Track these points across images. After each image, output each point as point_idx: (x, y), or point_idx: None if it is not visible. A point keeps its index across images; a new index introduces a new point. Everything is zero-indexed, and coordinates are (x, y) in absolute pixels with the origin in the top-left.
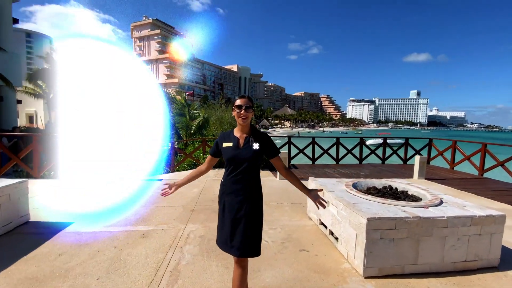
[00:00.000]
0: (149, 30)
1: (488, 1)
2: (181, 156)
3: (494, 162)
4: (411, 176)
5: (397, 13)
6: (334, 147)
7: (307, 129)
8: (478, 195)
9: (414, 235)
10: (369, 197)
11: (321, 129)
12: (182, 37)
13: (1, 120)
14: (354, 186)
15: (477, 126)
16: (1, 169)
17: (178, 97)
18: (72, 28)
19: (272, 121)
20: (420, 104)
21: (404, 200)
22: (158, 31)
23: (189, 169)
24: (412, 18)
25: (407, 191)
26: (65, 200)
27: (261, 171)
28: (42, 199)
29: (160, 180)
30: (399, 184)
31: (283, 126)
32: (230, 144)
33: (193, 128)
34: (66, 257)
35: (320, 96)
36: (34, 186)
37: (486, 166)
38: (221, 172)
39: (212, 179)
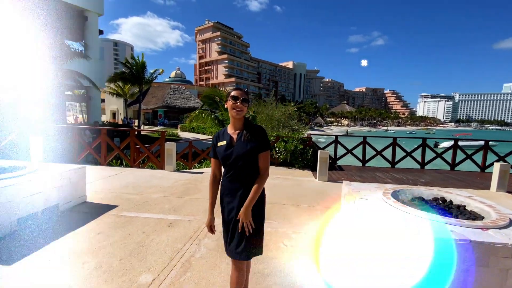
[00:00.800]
0: (211, 32)
1: None
2: None
3: None
4: (488, 188)
5: None
6: (390, 148)
7: (366, 128)
8: None
9: (461, 263)
10: (409, 209)
11: (384, 128)
12: (240, 38)
13: (89, 115)
14: (394, 194)
15: None
16: (78, 156)
17: (223, 92)
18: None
19: (328, 119)
20: None
21: (456, 216)
22: (218, 33)
23: None
24: None
25: (464, 206)
26: (117, 186)
27: (301, 170)
28: (101, 183)
29: (202, 173)
30: (457, 196)
31: (339, 124)
32: (224, 143)
33: None
34: (102, 236)
35: (385, 91)
36: (99, 172)
37: None
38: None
39: None
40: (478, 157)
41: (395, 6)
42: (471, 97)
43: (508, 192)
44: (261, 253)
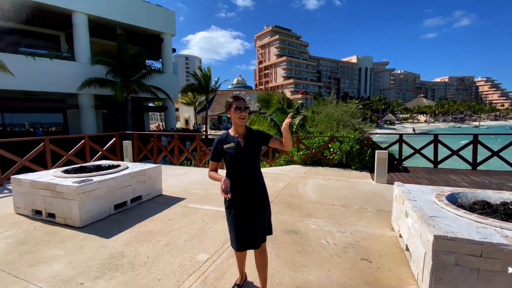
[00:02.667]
0: (269, 37)
1: None
2: (279, 152)
3: None
4: None
5: None
6: (470, 147)
7: (450, 124)
8: None
9: None
10: (461, 212)
11: (475, 123)
12: (298, 38)
13: (166, 123)
14: (452, 197)
15: None
16: (158, 157)
17: (275, 95)
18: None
19: (401, 115)
20: None
21: None
22: (277, 36)
23: (284, 165)
24: None
25: None
26: (186, 182)
27: (358, 172)
28: (173, 180)
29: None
30: None
31: (415, 120)
32: (232, 145)
33: (294, 126)
34: (172, 222)
35: (476, 79)
36: (172, 171)
37: None
38: (312, 170)
39: (301, 176)
40: None
41: None
42: None
43: None
44: (271, 232)
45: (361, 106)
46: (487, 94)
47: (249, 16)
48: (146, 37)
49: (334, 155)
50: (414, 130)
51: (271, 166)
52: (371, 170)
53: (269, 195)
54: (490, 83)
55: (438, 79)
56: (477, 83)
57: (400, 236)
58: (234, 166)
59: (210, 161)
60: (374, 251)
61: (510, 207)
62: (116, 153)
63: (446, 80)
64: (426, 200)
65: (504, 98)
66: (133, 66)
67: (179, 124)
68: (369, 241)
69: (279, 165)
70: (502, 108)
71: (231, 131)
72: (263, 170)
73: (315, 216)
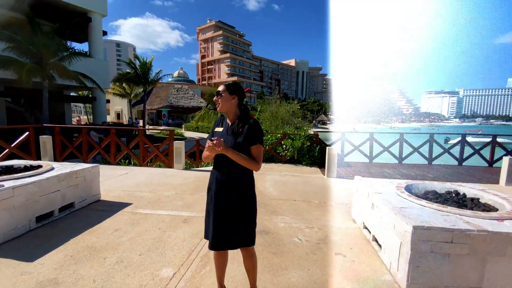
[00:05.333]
0: (212, 32)
1: None
2: None
3: None
4: (497, 182)
5: None
6: (397, 144)
7: (371, 125)
8: None
9: (479, 253)
10: (423, 202)
11: (389, 125)
12: (242, 36)
13: (95, 117)
14: (408, 188)
15: None
16: (88, 156)
17: None
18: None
19: (331, 117)
20: None
21: (471, 209)
22: (220, 32)
23: None
24: None
25: (478, 199)
26: (129, 184)
27: (309, 167)
28: (113, 182)
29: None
30: (469, 189)
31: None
32: (221, 129)
33: None
34: (120, 233)
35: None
36: (110, 171)
37: None
38: (266, 167)
39: (261, 172)
40: (485, 152)
41: None
42: (476, 92)
43: None
44: (252, 240)
45: (298, 107)
46: (396, 100)
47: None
48: (69, 13)
49: (286, 151)
50: (354, 129)
51: (197, 166)
52: (319, 165)
53: None
54: (399, 92)
55: None
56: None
57: (365, 227)
58: (216, 157)
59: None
60: (344, 244)
61: (454, 195)
62: (31, 151)
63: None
64: (390, 193)
65: (408, 104)
66: (49, 46)
67: (109, 118)
68: (337, 235)
69: None
70: (407, 112)
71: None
72: (210, 168)
73: (281, 213)
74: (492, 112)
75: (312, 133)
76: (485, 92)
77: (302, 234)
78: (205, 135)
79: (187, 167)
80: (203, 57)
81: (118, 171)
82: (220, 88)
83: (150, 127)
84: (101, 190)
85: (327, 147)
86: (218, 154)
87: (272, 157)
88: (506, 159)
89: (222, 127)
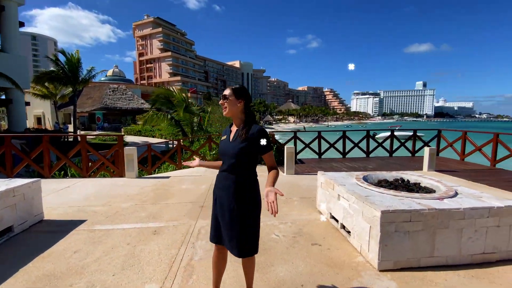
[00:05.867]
0: (151, 28)
1: None
2: (187, 153)
3: (508, 152)
4: (421, 168)
5: (393, 2)
6: (341, 141)
7: (311, 124)
8: (492, 186)
9: (430, 228)
10: (382, 189)
11: (325, 123)
12: (183, 35)
13: (12, 122)
14: (365, 179)
15: (486, 116)
16: (14, 169)
17: (176, 93)
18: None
19: (276, 117)
20: (427, 95)
21: (417, 192)
22: (160, 29)
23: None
24: (409, 8)
25: (419, 183)
26: (76, 199)
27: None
28: (54, 198)
29: (168, 177)
30: (411, 176)
31: (287, 121)
32: (224, 137)
33: (196, 125)
34: (81, 254)
35: (324, 90)
36: (46, 186)
37: (498, 157)
38: None
39: None
40: (409, 145)
41: (324, 11)
42: (393, 93)
43: (436, 171)
44: (256, 249)
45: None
46: (331, 101)
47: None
48: None
49: None
50: (304, 128)
51: (179, 168)
52: (277, 164)
53: (196, 200)
54: (332, 93)
55: (300, 88)
56: (325, 92)
57: (332, 217)
58: (222, 161)
59: None
60: (317, 235)
61: (401, 182)
62: None
63: (306, 89)
64: (352, 184)
65: (341, 105)
66: None
67: (28, 124)
68: (309, 227)
69: (189, 167)
70: (340, 112)
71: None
72: (176, 172)
73: None
74: (406, 110)
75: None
76: (400, 93)
77: (278, 230)
78: (151, 140)
79: (139, 175)
80: (141, 54)
81: (57, 184)
82: (227, 91)
83: (82, 132)
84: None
85: (285, 146)
86: (225, 159)
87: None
88: (427, 150)
89: (225, 135)
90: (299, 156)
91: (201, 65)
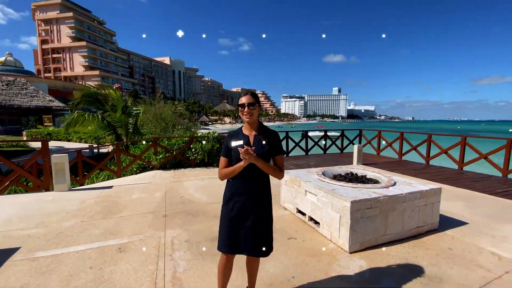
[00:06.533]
0: (58, 12)
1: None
2: (129, 158)
3: (409, 147)
4: (351, 163)
5: (314, 14)
6: (284, 141)
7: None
8: (403, 174)
9: (384, 212)
10: (342, 183)
11: (264, 123)
12: (102, 24)
13: None
14: (324, 174)
15: (384, 118)
16: None
17: (111, 91)
18: None
19: (212, 117)
20: (341, 99)
21: (368, 183)
22: (71, 14)
23: (139, 173)
24: (326, 22)
25: (366, 176)
26: None
27: None
28: None
29: (111, 187)
30: (357, 170)
31: (223, 122)
32: (240, 142)
33: (131, 126)
34: None
35: (257, 92)
36: None
37: (403, 151)
38: (178, 173)
39: (171, 181)
40: (338, 142)
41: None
42: (315, 97)
43: (363, 164)
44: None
45: (180, 108)
46: (263, 103)
47: None
48: None
49: (196, 155)
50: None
51: (119, 176)
52: None
53: (155, 209)
54: (264, 96)
55: (234, 89)
56: (258, 95)
57: (298, 211)
58: (236, 165)
59: (220, 157)
60: (289, 229)
61: (351, 175)
62: None
63: (239, 90)
64: (315, 179)
65: (272, 106)
66: None
67: None
68: (281, 223)
69: (132, 173)
70: (272, 113)
71: (244, 128)
72: (118, 181)
73: (217, 217)
74: (325, 112)
75: (217, 135)
76: (320, 97)
77: None
78: (67, 144)
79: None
80: (44, 41)
81: None
82: (250, 99)
83: None
84: None
85: None
86: (249, 164)
87: (180, 162)
88: (355, 147)
89: (240, 140)
90: None
91: (124, 59)
